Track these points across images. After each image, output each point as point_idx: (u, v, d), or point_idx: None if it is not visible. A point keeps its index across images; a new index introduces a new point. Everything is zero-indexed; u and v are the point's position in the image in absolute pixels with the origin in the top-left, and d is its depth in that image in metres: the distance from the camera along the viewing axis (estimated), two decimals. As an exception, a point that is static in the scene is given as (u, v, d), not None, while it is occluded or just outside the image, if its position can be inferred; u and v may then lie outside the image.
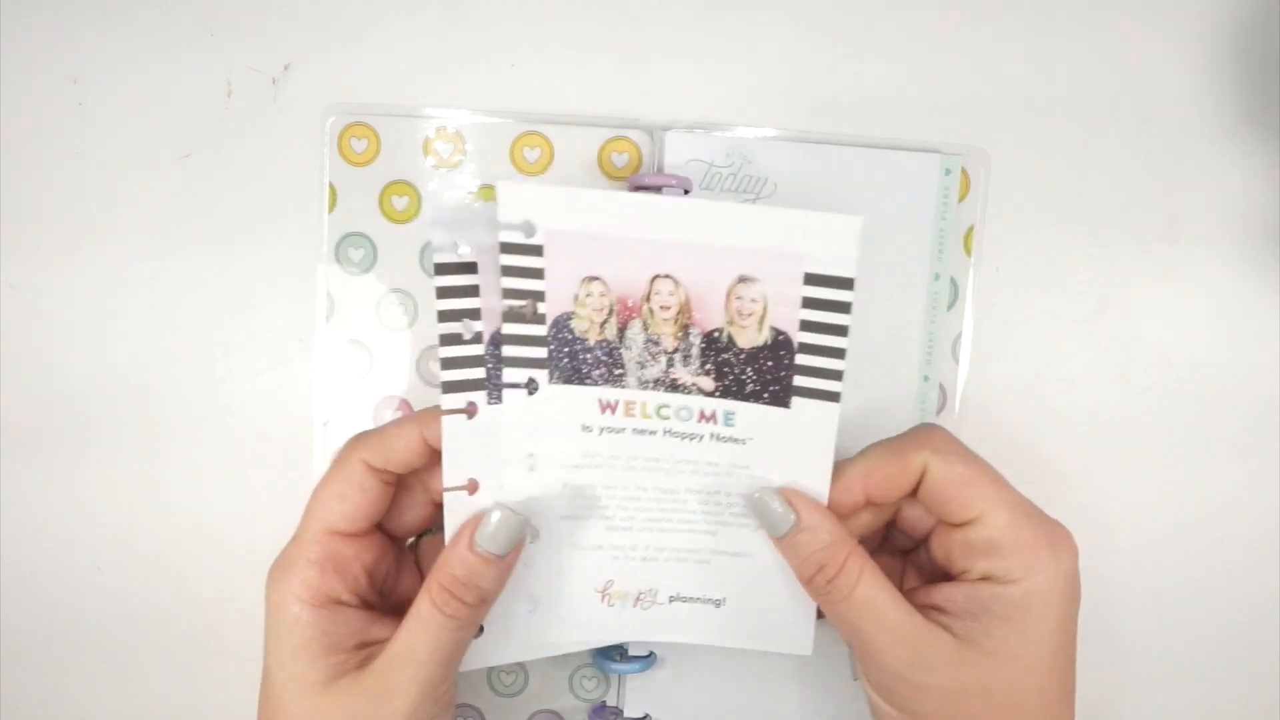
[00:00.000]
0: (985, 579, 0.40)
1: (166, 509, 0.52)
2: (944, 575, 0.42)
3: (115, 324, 0.51)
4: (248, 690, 0.52)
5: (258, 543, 0.52)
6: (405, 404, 0.50)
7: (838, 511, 0.41)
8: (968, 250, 0.49)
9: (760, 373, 0.41)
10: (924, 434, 0.41)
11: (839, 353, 0.40)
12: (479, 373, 0.41)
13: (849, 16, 0.49)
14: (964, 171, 0.47)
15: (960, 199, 0.48)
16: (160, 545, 0.52)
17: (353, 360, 0.50)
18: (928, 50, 0.49)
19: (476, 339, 0.41)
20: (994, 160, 0.48)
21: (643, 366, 0.41)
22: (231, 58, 0.50)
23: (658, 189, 0.47)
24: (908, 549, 0.46)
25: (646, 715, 0.51)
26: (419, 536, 0.47)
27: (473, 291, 0.41)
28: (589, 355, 0.40)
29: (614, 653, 0.50)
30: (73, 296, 0.51)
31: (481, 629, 0.43)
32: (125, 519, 0.52)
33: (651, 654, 0.50)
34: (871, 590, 0.39)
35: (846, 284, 0.39)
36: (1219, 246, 0.50)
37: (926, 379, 0.48)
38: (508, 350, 0.40)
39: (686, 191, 0.47)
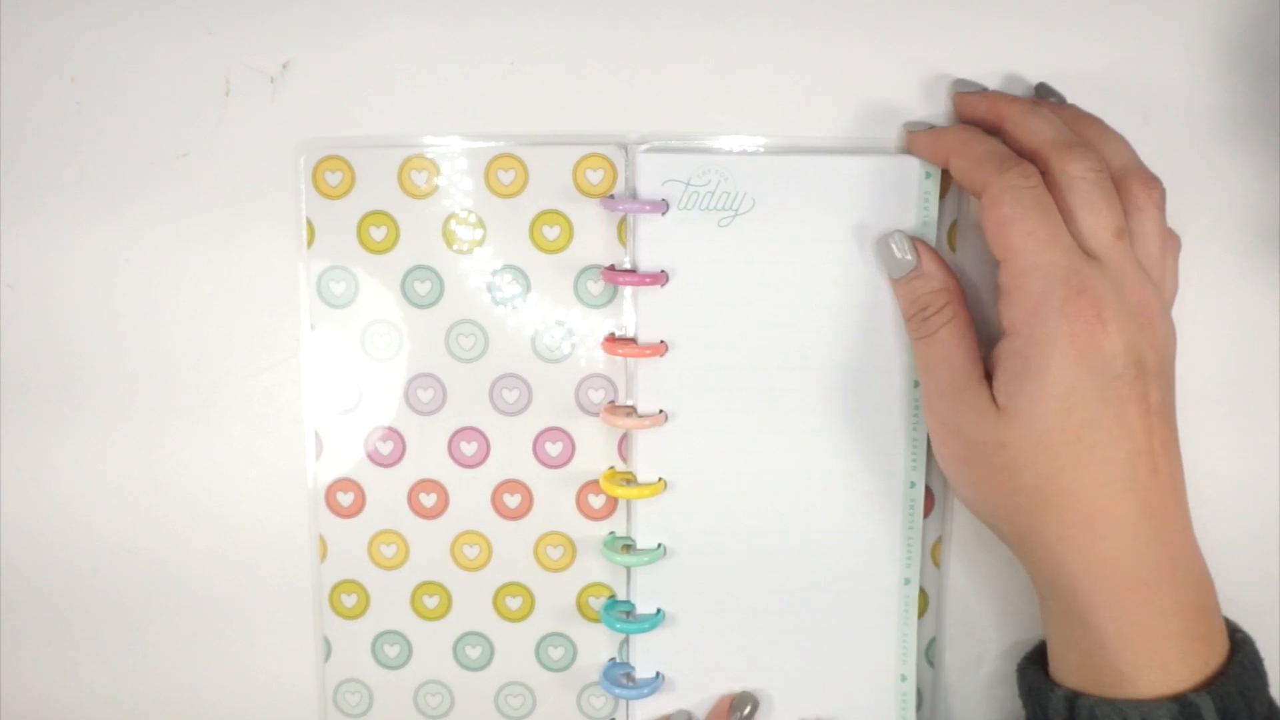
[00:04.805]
0: (1004, 331, 0.42)
1: (165, 510, 0.52)
2: None
3: (113, 323, 0.51)
4: (243, 689, 0.53)
5: (256, 542, 0.52)
6: (394, 432, 0.50)
7: None
8: (952, 247, 0.48)
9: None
10: (1000, 166, 0.41)
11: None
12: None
13: (826, 17, 0.47)
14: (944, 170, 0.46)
15: (942, 197, 0.46)
16: (158, 547, 0.53)
17: (341, 393, 0.50)
18: (923, 48, 0.47)
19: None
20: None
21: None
22: (230, 56, 0.49)
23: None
24: None
25: None
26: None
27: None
28: None
29: (619, 674, 0.50)
30: (70, 296, 0.51)
31: None
32: (123, 520, 0.52)
33: (659, 674, 0.50)
34: (952, 334, 0.43)
35: None
36: (1220, 246, 0.49)
37: (917, 384, 0.47)
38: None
39: (664, 213, 0.46)
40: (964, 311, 0.44)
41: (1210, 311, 0.49)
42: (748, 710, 0.49)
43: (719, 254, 0.46)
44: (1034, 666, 0.46)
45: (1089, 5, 0.47)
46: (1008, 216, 0.40)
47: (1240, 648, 0.43)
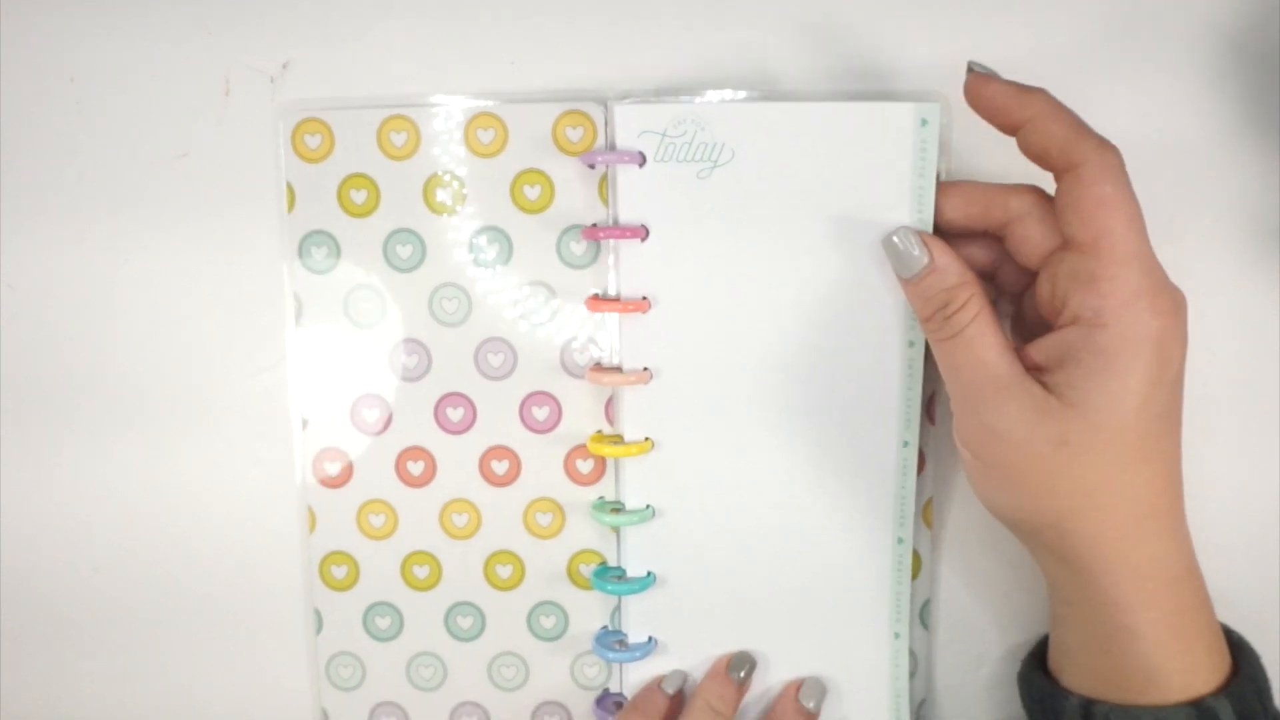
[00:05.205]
0: (1076, 321, 0.39)
1: (165, 511, 0.52)
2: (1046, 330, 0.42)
3: (113, 323, 0.51)
4: (242, 689, 0.53)
5: (255, 542, 0.52)
6: (380, 399, 0.49)
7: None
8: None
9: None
10: (1099, 143, 0.39)
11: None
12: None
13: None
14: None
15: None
16: (158, 548, 0.52)
17: (325, 360, 0.50)
18: (919, 48, 0.47)
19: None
20: (988, 164, 0.46)
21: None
22: (230, 56, 0.49)
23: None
24: (1019, 291, 0.45)
25: None
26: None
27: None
28: None
29: (611, 640, 0.49)
30: (71, 296, 0.51)
31: None
32: (123, 521, 0.52)
33: (651, 639, 0.49)
34: (981, 330, 0.40)
35: None
36: (1220, 246, 0.48)
37: (912, 344, 0.46)
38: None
39: (641, 165, 0.45)
40: (988, 303, 0.41)
41: (1210, 311, 0.48)
42: (745, 670, 0.48)
43: (699, 207, 0.45)
44: (1038, 674, 0.45)
45: (1089, 5, 0.47)
46: (1111, 197, 0.38)
47: (1241, 648, 0.42)
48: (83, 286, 0.51)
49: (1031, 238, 0.42)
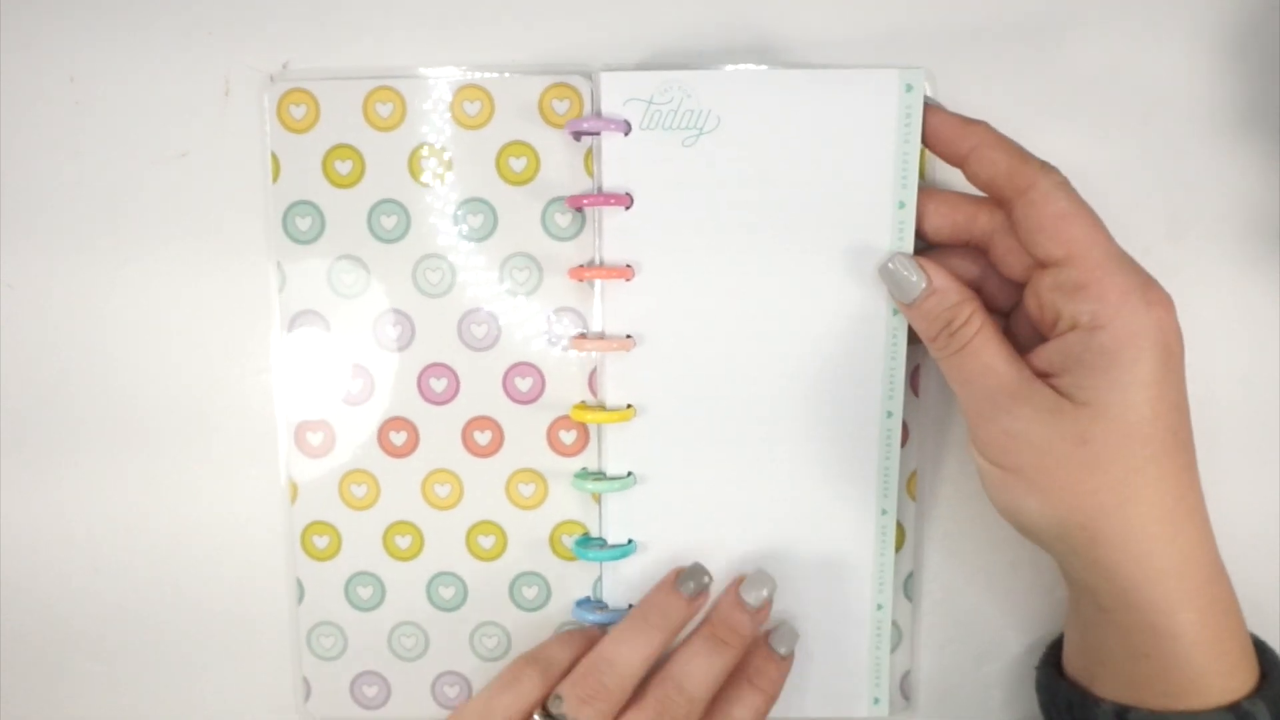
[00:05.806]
0: (1074, 327, 0.40)
1: (166, 511, 0.52)
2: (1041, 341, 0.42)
3: (112, 324, 0.51)
4: (242, 689, 0.53)
5: (253, 543, 0.52)
6: (362, 370, 0.50)
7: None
8: (922, 174, 0.47)
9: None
10: (1042, 165, 0.41)
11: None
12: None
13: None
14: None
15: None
16: (160, 547, 0.52)
17: (309, 331, 0.50)
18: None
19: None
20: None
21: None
22: (229, 56, 0.49)
23: (595, 133, 0.46)
24: (1007, 310, 0.46)
25: None
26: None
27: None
28: None
29: (593, 607, 0.50)
30: (70, 297, 0.51)
31: None
32: (124, 520, 0.52)
33: (631, 606, 0.49)
34: (987, 340, 0.41)
35: None
36: (1222, 246, 0.49)
37: (896, 312, 0.46)
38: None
39: (626, 133, 0.45)
40: (989, 317, 0.42)
41: (1210, 311, 0.49)
42: (694, 584, 0.47)
43: (684, 174, 0.45)
44: (1062, 681, 0.45)
45: (1089, 5, 0.48)
46: (1070, 210, 0.40)
47: (1262, 648, 0.43)
48: (82, 286, 0.51)
49: (1015, 249, 0.42)
